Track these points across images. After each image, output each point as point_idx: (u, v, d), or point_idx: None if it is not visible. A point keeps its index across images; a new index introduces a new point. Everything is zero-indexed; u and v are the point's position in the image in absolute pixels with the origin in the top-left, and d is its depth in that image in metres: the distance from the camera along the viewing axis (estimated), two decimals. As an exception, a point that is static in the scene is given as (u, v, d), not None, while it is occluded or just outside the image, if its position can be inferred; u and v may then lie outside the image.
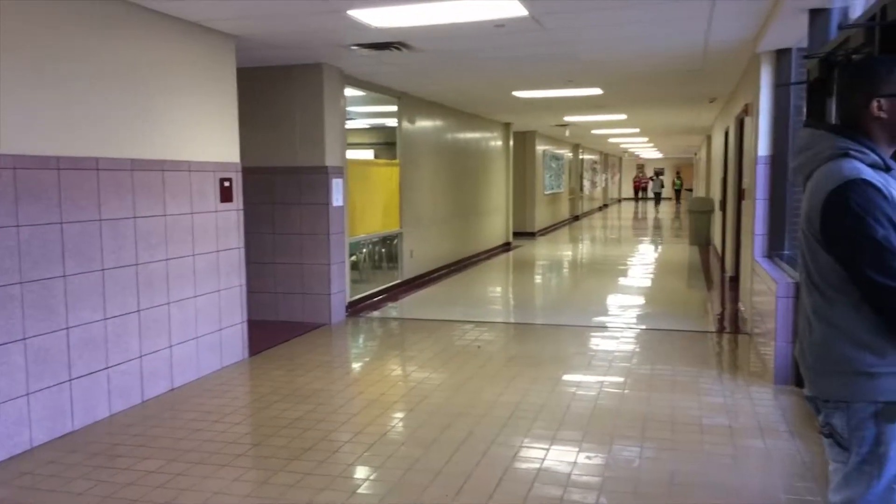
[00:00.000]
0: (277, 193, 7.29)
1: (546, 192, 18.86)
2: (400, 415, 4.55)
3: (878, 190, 1.83)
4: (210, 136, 5.44)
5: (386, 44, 6.08)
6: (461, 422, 4.34)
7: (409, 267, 9.83)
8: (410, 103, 9.72)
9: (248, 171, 6.85)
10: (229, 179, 5.65)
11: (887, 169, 1.92)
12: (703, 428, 4.20)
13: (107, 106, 4.47)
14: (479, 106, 11.51)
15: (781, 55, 5.86)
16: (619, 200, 39.25)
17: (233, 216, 5.72)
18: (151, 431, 4.25)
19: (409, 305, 8.61)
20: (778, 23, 4.86)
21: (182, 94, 5.13)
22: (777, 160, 5.92)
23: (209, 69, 5.44)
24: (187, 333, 5.23)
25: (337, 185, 7.29)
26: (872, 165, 1.90)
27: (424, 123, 10.42)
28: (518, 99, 10.24)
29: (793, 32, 5.09)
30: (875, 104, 1.93)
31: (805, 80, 4.70)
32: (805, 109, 4.85)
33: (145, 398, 4.83)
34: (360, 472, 3.69)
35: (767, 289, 5.27)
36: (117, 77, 4.55)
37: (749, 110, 6.82)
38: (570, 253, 15.05)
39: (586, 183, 26.54)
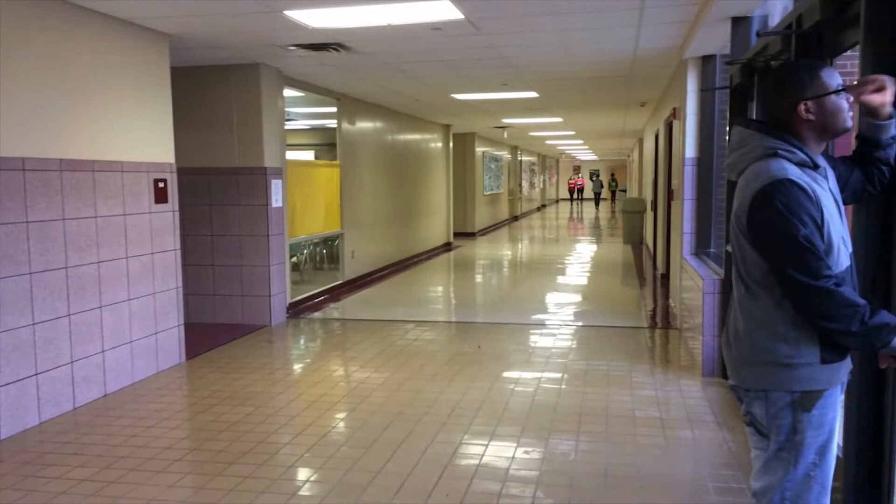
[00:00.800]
0: (215, 194, 7.17)
1: (486, 193, 19.05)
2: (341, 415, 4.56)
3: (803, 189, 1.91)
4: (143, 135, 5.33)
5: (324, 45, 6.07)
6: (402, 421, 4.38)
7: (351, 267, 9.81)
8: (350, 104, 9.70)
9: (185, 172, 6.73)
10: (164, 180, 5.54)
11: (815, 167, 2.01)
12: (636, 420, 4.36)
13: (34, 104, 4.34)
14: (419, 107, 11.57)
15: (706, 61, 6.11)
16: (557, 201, 39.96)
17: (168, 217, 5.61)
18: (84, 439, 4.15)
19: (350, 306, 8.59)
20: (703, 30, 5.07)
21: (114, 93, 5.01)
22: (703, 162, 6.16)
23: (142, 68, 5.32)
24: (121, 338, 5.11)
25: (276, 185, 7.23)
26: (801, 164, 1.98)
27: (365, 125, 10.40)
28: (457, 101, 10.34)
29: (717, 39, 5.31)
30: (802, 107, 2.01)
31: (728, 84, 4.92)
32: (728, 113, 5.08)
33: (77, 405, 4.70)
34: (300, 474, 3.69)
35: (695, 285, 5.49)
36: (45, 75, 4.42)
37: (677, 114, 7.07)
38: (509, 252, 15.25)
39: (525, 184, 26.91)
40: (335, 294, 9.16)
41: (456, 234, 16.14)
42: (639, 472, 3.62)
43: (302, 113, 11.22)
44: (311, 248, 10.01)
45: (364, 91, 9.31)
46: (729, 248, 2.35)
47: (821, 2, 2.77)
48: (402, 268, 11.85)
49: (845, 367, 2.07)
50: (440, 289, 10.76)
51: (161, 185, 5.50)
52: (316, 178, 8.75)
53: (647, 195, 13.63)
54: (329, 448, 3.98)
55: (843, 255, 1.99)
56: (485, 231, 18.76)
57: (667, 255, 9.03)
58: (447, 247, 15.16)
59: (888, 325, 1.92)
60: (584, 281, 10.78)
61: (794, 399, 2.01)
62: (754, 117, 4.39)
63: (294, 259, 9.27)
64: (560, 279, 11.00)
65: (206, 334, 6.73)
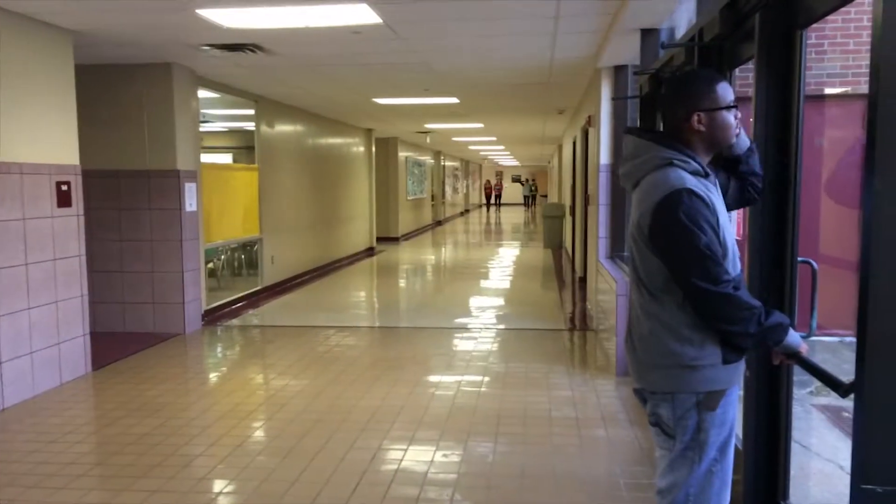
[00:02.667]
0: (124, 198, 6.89)
1: (409, 198, 19.05)
2: (257, 424, 4.46)
3: (701, 198, 1.98)
4: (45, 136, 5.07)
5: (239, 45, 5.93)
6: (320, 428, 4.31)
7: (270, 273, 9.61)
8: (268, 107, 9.51)
9: (92, 175, 6.45)
10: (68, 182, 5.28)
11: (706, 175, 2.08)
12: (552, 421, 4.44)
13: (-80, 101, 4.06)
14: (341, 111, 11.47)
15: (619, 71, 6.30)
16: (480, 206, 40.41)
17: (72, 222, 5.35)
18: (-23, 457, 3.90)
19: (269, 312, 8.42)
20: (614, 41, 5.24)
21: (12, 92, 4.74)
22: (617, 168, 6.33)
23: (44, 65, 5.06)
24: (20, 349, 4.84)
25: (190, 189, 7.01)
26: (694, 173, 2.05)
27: (284, 128, 10.23)
28: (378, 105, 10.30)
29: (628, 50, 5.49)
30: (695, 118, 2.08)
31: (638, 94, 5.09)
32: (639, 121, 5.25)
33: (-30, 421, 4.42)
34: (214, 486, 3.57)
35: (609, 287, 5.65)
36: (-67, 70, 4.14)
37: (592, 122, 7.27)
38: (433, 257, 15.30)
39: (448, 189, 27.07)
40: (254, 300, 8.95)
41: (379, 239, 16.07)
42: (555, 472, 3.69)
43: (219, 115, 10.93)
44: (229, 253, 9.76)
45: (283, 93, 9.16)
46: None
47: (720, 16, 2.90)
48: (324, 273, 11.71)
49: (742, 365, 2.17)
50: (363, 294, 10.69)
51: (64, 187, 5.24)
52: (233, 181, 8.54)
53: (567, 200, 13.94)
54: (244, 458, 3.88)
55: (736, 259, 2.08)
56: (408, 236, 18.75)
57: (584, 258, 9.26)
58: (370, 252, 15.07)
59: (781, 325, 2.02)
60: (505, 285, 10.91)
61: (700, 399, 2.07)
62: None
63: (210, 265, 9.01)
64: (483, 283, 11.11)
65: (114, 344, 6.45)
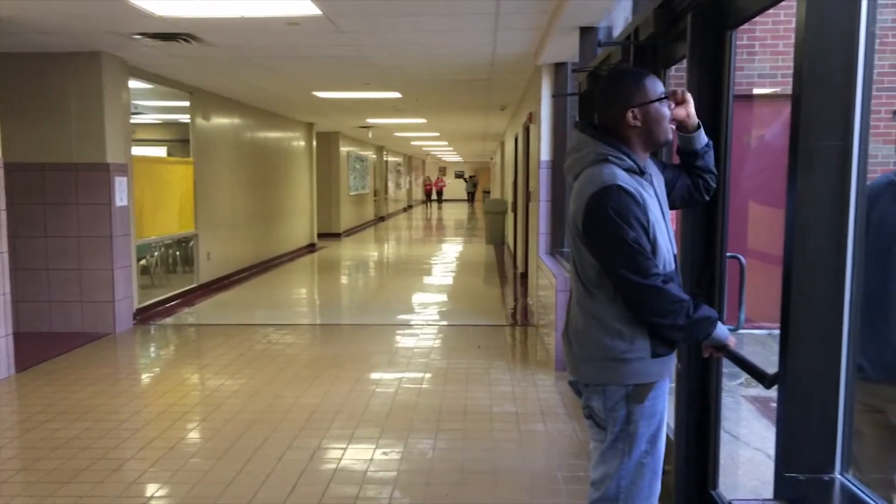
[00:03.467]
0: (49, 192, 6.61)
1: (351, 193, 18.89)
2: (191, 426, 4.34)
3: (631, 195, 2.01)
4: (-38, 126, 4.82)
5: (172, 34, 5.75)
6: (257, 428, 4.23)
7: (207, 270, 9.38)
8: (204, 99, 9.27)
9: (13, 168, 6.16)
10: (-13, 176, 5.03)
11: (642, 173, 2.11)
12: (493, 416, 4.46)
13: None
14: (280, 104, 11.26)
15: (559, 68, 6.36)
16: (424, 202, 40.41)
17: (-8, 217, 5.10)
18: None
19: (206, 310, 8.22)
20: (554, 38, 5.28)
21: (-76, 78, 4.49)
22: (557, 165, 6.42)
23: (-41, 51, 4.81)
24: (-65, 351, 4.59)
25: (120, 183, 6.77)
26: (628, 170, 2.08)
27: (221, 121, 9.98)
28: (319, 99, 10.16)
29: (567, 48, 5.55)
30: (630, 114, 2.10)
31: (577, 91, 5.15)
32: (577, 118, 5.32)
33: None
34: (146, 490, 3.46)
35: (549, 283, 5.71)
36: None
37: (533, 119, 7.33)
38: (375, 253, 15.21)
39: (391, 184, 26.95)
40: (189, 298, 8.72)
41: (320, 235, 15.87)
42: (494, 467, 3.70)
43: (152, 106, 10.59)
44: (163, 249, 9.48)
45: (219, 85, 8.94)
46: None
47: (654, 16, 2.95)
48: (263, 270, 11.50)
49: (673, 360, 2.22)
50: (303, 291, 10.54)
51: (-16, 181, 4.99)
52: (167, 175, 8.29)
53: (509, 197, 14.05)
54: (177, 460, 3.77)
55: (668, 256, 2.12)
56: (350, 232, 18.59)
57: (526, 254, 9.35)
58: (311, 248, 14.88)
59: (709, 318, 2.07)
60: (448, 281, 10.93)
61: (629, 392, 2.11)
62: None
63: (143, 262, 8.74)
64: (425, 279, 11.09)
65: (40, 344, 6.19)
